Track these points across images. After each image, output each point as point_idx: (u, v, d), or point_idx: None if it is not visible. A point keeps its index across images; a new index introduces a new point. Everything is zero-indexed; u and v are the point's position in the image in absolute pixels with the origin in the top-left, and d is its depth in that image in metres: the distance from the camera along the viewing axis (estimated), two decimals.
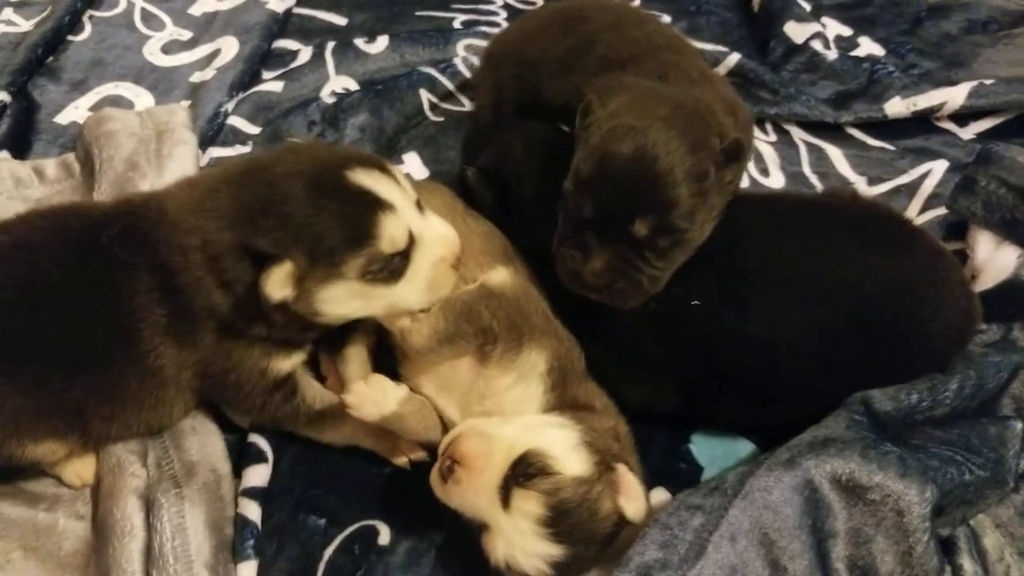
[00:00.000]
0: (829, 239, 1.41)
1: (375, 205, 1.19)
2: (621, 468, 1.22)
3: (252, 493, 1.39)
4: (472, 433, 1.21)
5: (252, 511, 1.37)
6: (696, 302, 1.37)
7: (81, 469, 1.42)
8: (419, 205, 1.28)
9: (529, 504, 1.16)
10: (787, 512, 1.23)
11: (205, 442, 1.45)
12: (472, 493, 1.18)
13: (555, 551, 1.15)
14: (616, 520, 1.20)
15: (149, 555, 1.28)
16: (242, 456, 1.44)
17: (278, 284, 1.18)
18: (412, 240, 1.24)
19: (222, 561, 1.31)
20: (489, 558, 1.19)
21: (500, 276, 1.38)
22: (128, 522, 1.31)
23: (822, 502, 1.25)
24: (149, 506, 1.33)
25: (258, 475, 1.41)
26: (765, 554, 1.22)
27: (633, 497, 1.21)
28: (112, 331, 1.27)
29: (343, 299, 1.24)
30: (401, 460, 1.43)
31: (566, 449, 1.21)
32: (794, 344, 1.34)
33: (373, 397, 1.29)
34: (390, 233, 1.20)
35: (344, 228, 1.18)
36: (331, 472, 1.44)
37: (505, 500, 1.17)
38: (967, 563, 1.28)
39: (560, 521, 1.15)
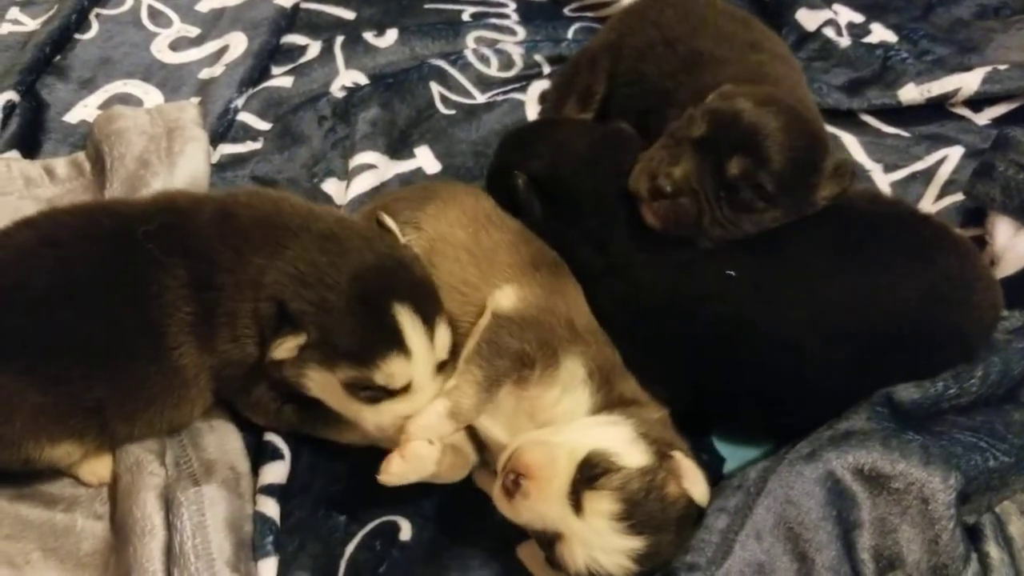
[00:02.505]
0: (861, 243, 1.40)
1: (394, 344, 1.22)
2: (678, 454, 1.22)
3: (269, 490, 1.38)
4: (532, 444, 1.20)
5: (270, 508, 1.36)
6: (730, 272, 1.38)
7: (98, 467, 1.42)
8: (441, 367, 1.30)
9: (602, 503, 1.15)
10: (809, 505, 1.23)
11: (223, 440, 1.44)
12: (542, 504, 1.17)
13: (635, 543, 1.15)
14: (686, 503, 1.21)
15: (170, 554, 1.27)
16: (259, 454, 1.44)
17: (285, 350, 1.23)
18: (407, 390, 1.26)
19: (243, 559, 1.30)
20: (567, 567, 1.17)
21: (508, 299, 1.36)
22: (148, 521, 1.30)
23: (846, 493, 1.24)
24: (169, 505, 1.33)
25: (275, 472, 1.40)
26: (792, 548, 1.22)
27: (696, 480, 1.22)
28: (138, 327, 1.29)
29: (323, 386, 1.29)
30: None
31: (624, 443, 1.21)
32: (823, 350, 1.34)
33: (409, 470, 1.27)
34: (391, 371, 1.23)
35: (356, 343, 1.22)
36: (351, 469, 1.43)
37: (577, 505, 1.16)
38: (993, 550, 1.27)
39: (634, 513, 1.15)
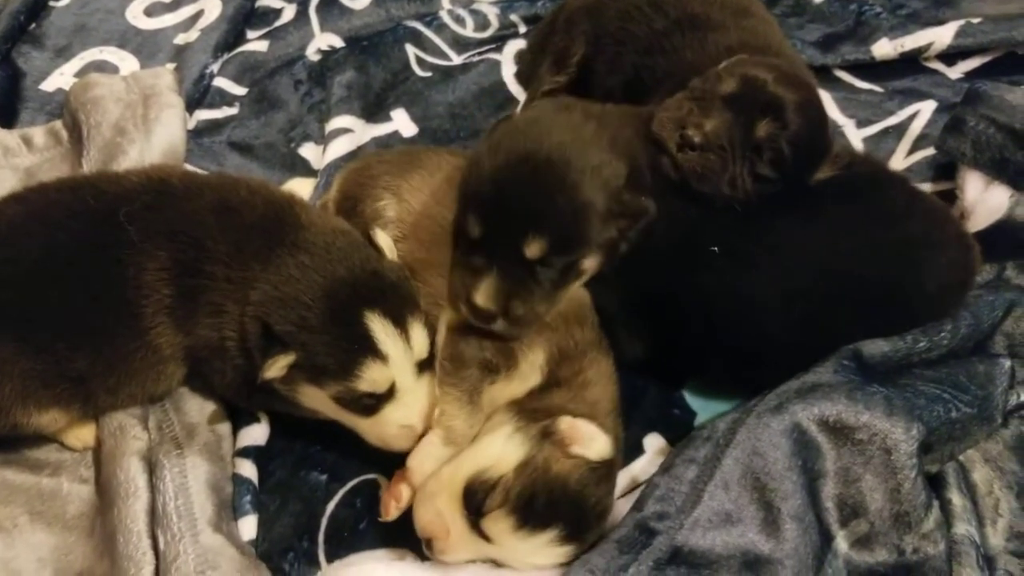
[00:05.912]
0: (828, 206, 1.41)
1: (369, 351, 1.25)
2: (563, 420, 1.21)
3: (246, 452, 1.42)
4: (420, 504, 1.21)
5: (247, 469, 1.39)
6: (714, 248, 1.38)
7: (82, 432, 1.44)
8: (423, 365, 1.32)
9: (499, 524, 1.16)
10: (776, 456, 1.25)
11: (204, 404, 1.46)
12: (458, 551, 1.20)
13: (552, 532, 1.17)
14: (583, 466, 1.19)
15: (154, 515, 1.30)
16: (237, 418, 1.46)
17: (277, 369, 1.25)
18: (393, 392, 1.29)
19: (225, 519, 1.33)
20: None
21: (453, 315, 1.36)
22: (132, 484, 1.33)
23: (811, 443, 1.27)
24: (152, 468, 1.35)
25: (252, 435, 1.43)
26: (758, 498, 1.25)
27: (588, 438, 1.20)
28: (116, 306, 1.31)
29: (318, 401, 1.31)
30: None
31: (501, 446, 1.21)
32: (784, 309, 1.35)
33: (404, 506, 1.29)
34: (372, 378, 1.26)
35: (334, 358, 1.24)
36: (330, 429, 1.44)
37: (483, 535, 1.18)
38: (956, 497, 1.30)
39: (531, 511, 1.15)
